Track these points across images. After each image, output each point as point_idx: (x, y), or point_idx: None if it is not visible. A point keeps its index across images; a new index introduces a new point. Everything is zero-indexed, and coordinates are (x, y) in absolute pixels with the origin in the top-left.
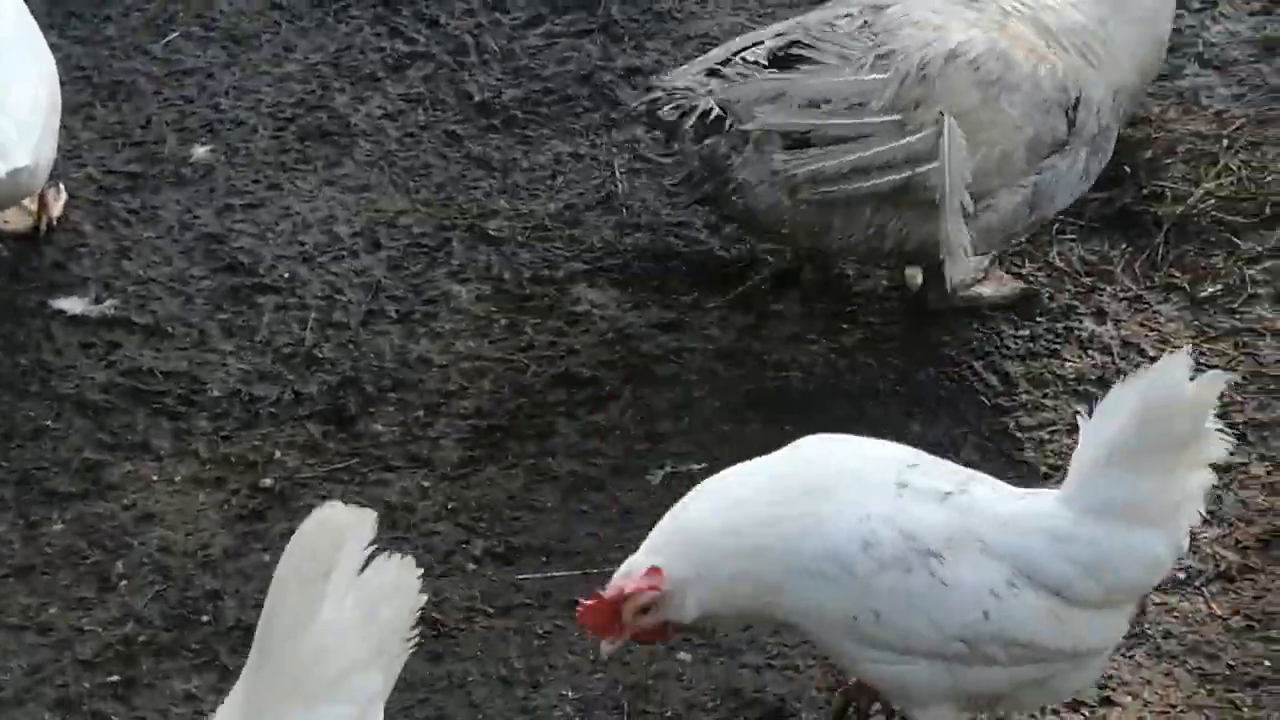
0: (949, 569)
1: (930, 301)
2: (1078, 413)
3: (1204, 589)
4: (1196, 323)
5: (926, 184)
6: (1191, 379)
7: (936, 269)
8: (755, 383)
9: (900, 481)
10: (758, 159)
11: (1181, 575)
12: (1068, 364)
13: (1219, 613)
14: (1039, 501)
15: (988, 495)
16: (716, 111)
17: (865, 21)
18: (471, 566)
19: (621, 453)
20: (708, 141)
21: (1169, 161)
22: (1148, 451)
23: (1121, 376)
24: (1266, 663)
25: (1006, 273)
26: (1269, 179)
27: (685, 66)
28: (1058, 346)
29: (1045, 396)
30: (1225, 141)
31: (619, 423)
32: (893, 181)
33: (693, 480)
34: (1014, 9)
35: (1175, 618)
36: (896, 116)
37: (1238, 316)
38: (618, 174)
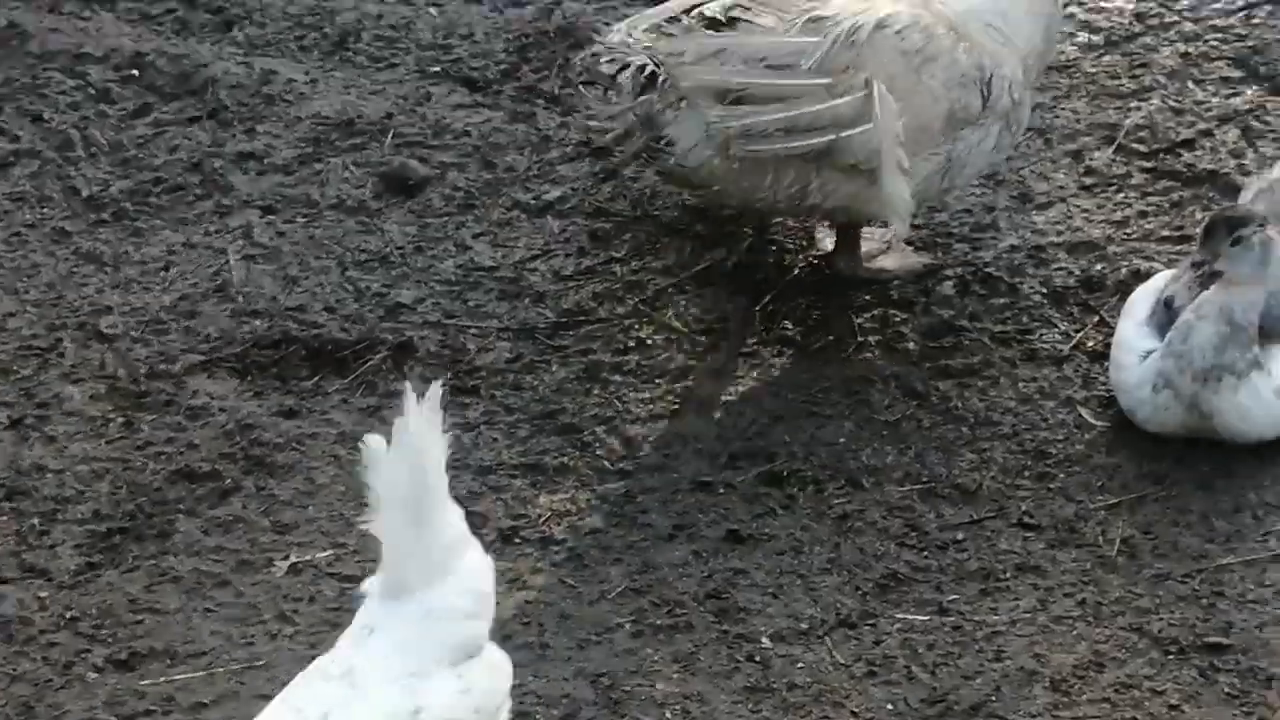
0: None
1: (840, 268)
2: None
3: (826, 638)
4: (809, 374)
5: (850, 147)
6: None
7: (846, 235)
8: None
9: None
10: (692, 115)
11: (804, 625)
12: (688, 423)
13: (842, 660)
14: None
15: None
16: (652, 68)
17: None
18: (93, 676)
19: (245, 546)
20: (643, 98)
21: (779, 218)
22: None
23: (739, 432)
24: (889, 706)
25: (912, 250)
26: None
27: (629, 21)
28: (677, 406)
29: (668, 457)
30: None
31: (242, 515)
32: (818, 143)
33: (318, 570)
34: None
35: (800, 668)
36: (825, 80)
37: (848, 365)
38: (232, 261)
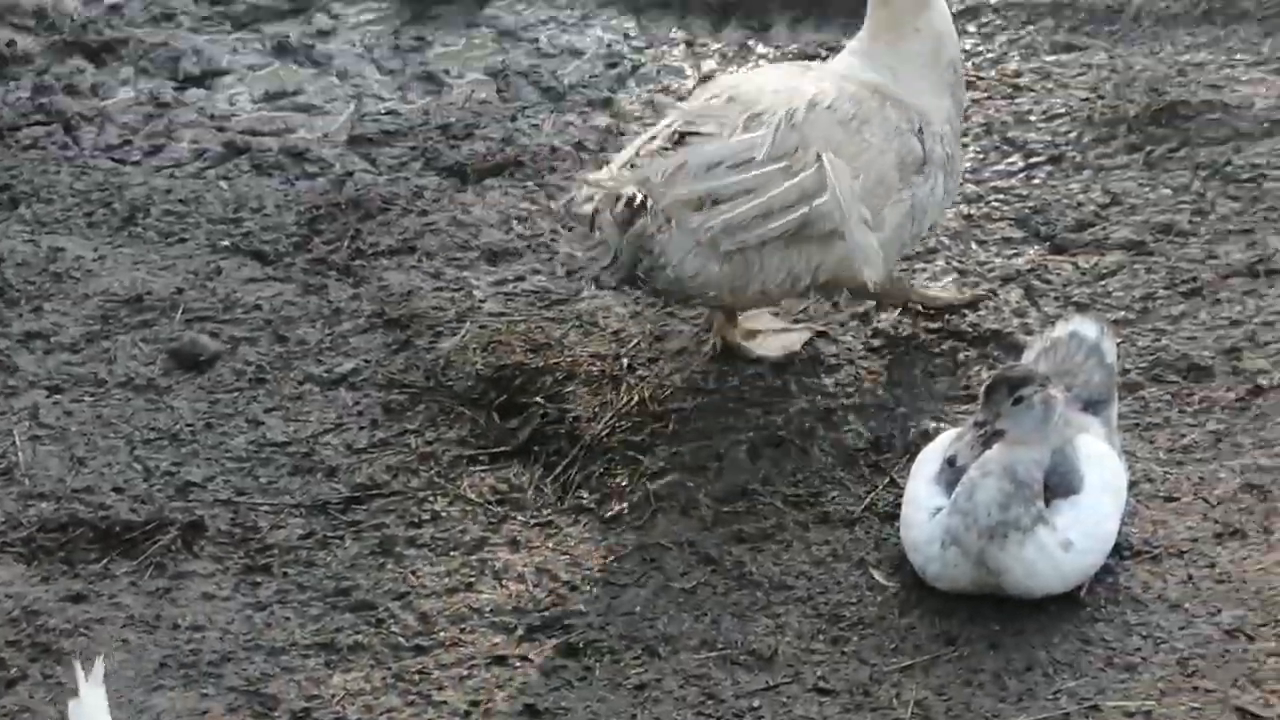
0: None
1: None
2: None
3: None
4: (606, 542)
5: (822, 214)
6: None
7: (729, 323)
8: (169, 647)
9: None
10: (678, 230)
11: None
12: (484, 596)
13: None
14: None
15: None
16: (639, 196)
17: (730, 98)
18: None
19: None
20: (635, 225)
21: (573, 386)
22: None
23: (535, 603)
24: None
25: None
26: (668, 393)
27: (605, 168)
28: (473, 579)
29: (464, 632)
30: (625, 360)
31: (27, 704)
32: (793, 219)
33: None
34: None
35: None
36: (781, 164)
37: (644, 532)
38: (18, 442)
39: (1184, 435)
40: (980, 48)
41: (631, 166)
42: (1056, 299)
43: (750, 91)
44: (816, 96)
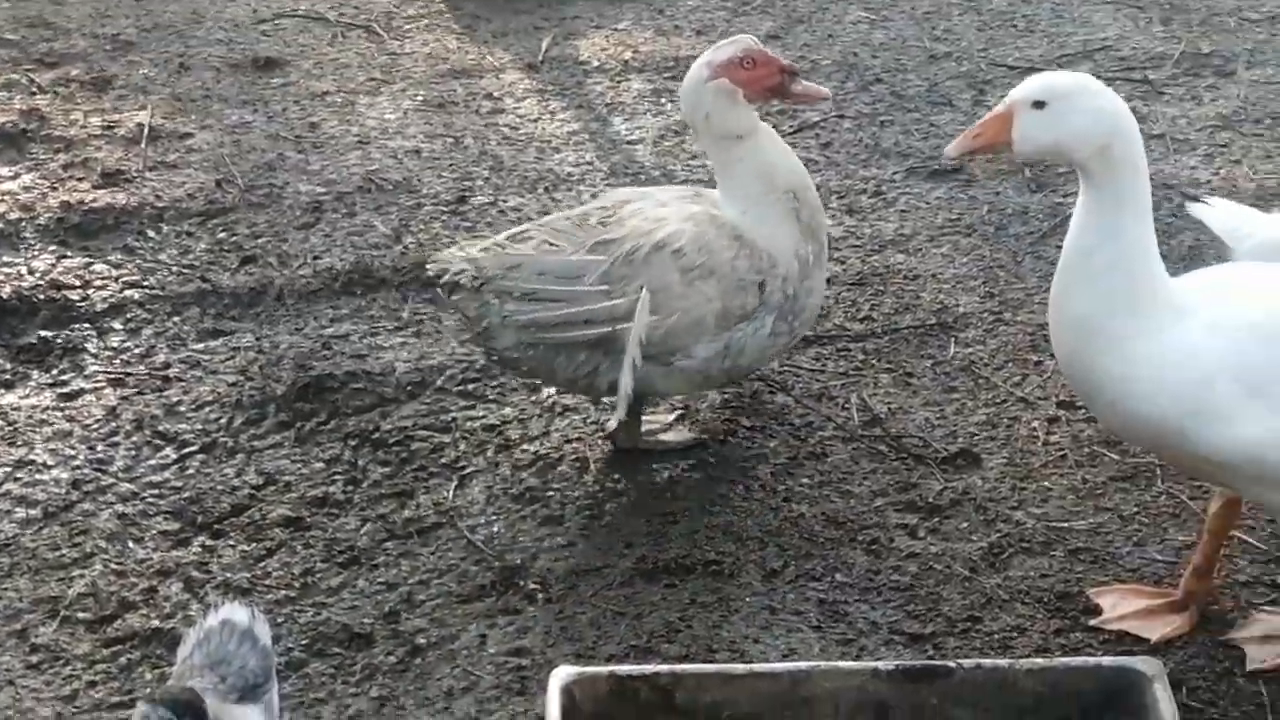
0: None
1: (619, 440)
2: None
3: None
4: None
5: (625, 337)
6: None
7: (631, 413)
8: None
9: None
10: (499, 309)
11: None
12: None
13: None
14: None
15: None
16: (472, 274)
17: (610, 211)
18: None
19: None
20: (459, 298)
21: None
22: None
23: None
24: None
25: (687, 427)
26: None
27: (462, 249)
28: None
29: None
30: None
31: None
32: (597, 334)
33: None
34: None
35: None
36: (605, 287)
37: None
38: None
39: (349, 706)
40: (128, 344)
41: (485, 250)
42: (218, 587)
43: (627, 211)
44: (668, 238)
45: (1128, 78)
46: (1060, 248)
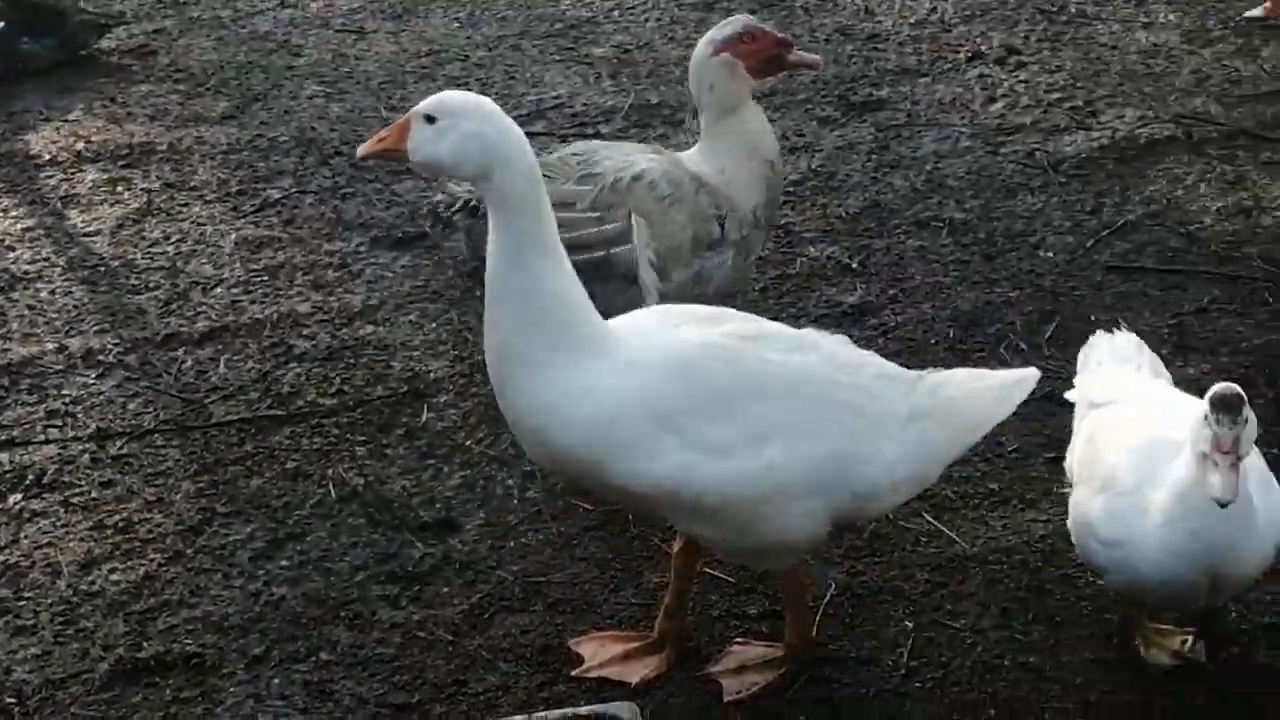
0: None
1: None
2: None
3: None
4: None
5: (618, 260)
6: None
7: None
8: None
9: None
10: None
11: None
12: None
13: None
14: None
15: None
16: (475, 202)
17: (583, 155)
18: None
19: None
20: (469, 222)
21: None
22: None
23: None
24: None
25: None
26: None
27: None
28: None
29: None
30: None
31: None
32: (593, 258)
33: None
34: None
35: None
36: (596, 214)
37: None
38: None
39: None
40: None
41: None
42: None
43: (598, 154)
44: (643, 173)
45: (581, 133)
46: None
